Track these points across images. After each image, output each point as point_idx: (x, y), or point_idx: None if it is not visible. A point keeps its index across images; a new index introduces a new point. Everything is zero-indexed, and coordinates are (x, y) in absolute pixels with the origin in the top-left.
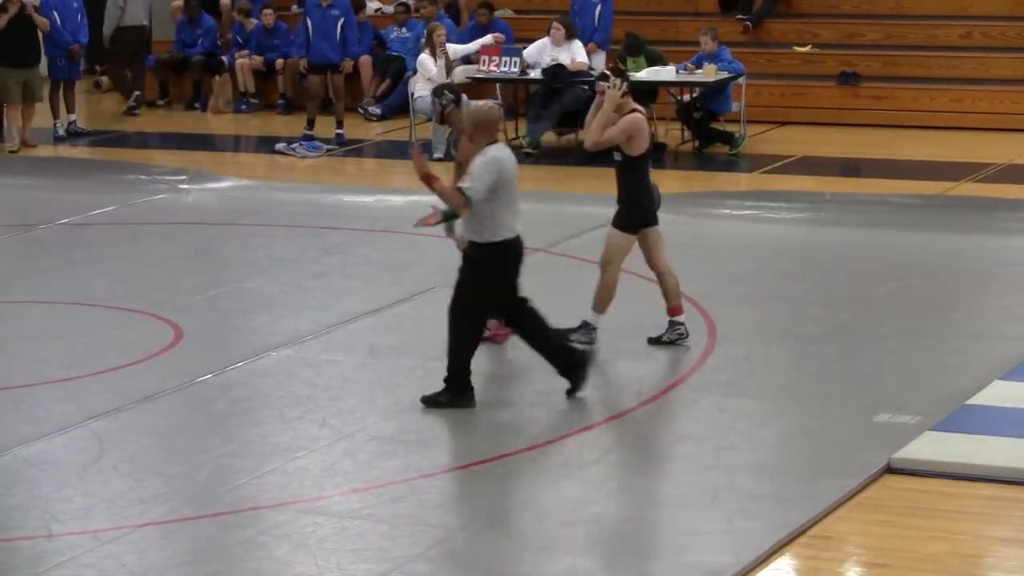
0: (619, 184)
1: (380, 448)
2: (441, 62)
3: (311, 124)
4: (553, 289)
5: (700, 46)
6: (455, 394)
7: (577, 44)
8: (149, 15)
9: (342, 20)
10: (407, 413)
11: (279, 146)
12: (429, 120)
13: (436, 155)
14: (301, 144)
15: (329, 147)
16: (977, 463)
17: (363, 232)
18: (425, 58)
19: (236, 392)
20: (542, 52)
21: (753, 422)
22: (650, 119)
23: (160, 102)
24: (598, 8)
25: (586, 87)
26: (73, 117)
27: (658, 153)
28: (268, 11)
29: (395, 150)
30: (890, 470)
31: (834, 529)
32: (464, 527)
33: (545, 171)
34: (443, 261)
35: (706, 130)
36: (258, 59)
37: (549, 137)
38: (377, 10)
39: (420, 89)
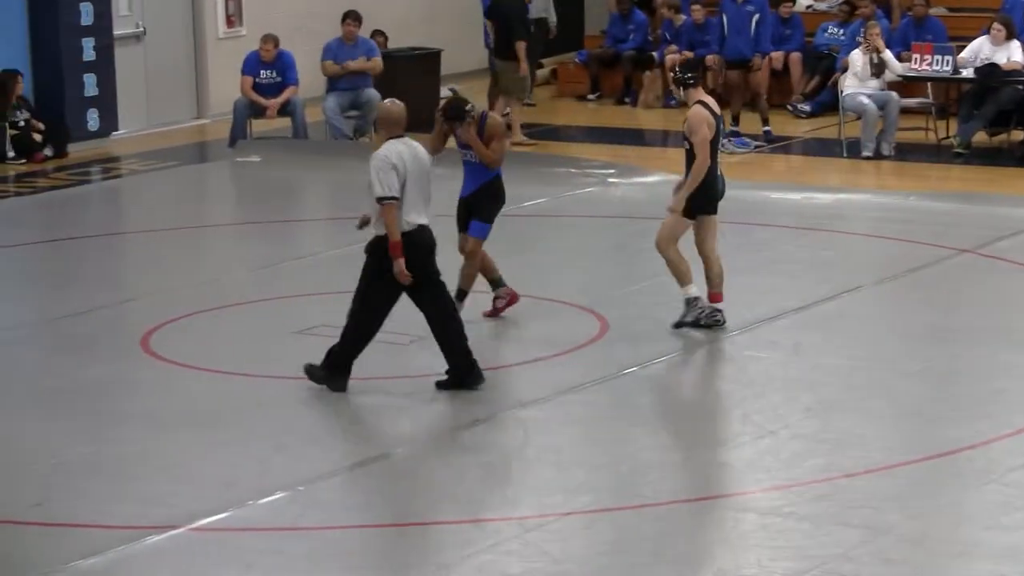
0: (687, 170)
1: (803, 446)
2: (867, 58)
3: (736, 120)
4: (983, 292)
5: None
6: (330, 373)
7: (1015, 44)
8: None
9: (757, 16)
10: (831, 412)
11: None
12: (858, 118)
13: (865, 153)
14: (730, 140)
15: (757, 144)
16: None
17: (789, 229)
18: (856, 53)
19: (659, 386)
20: (979, 51)
21: None
22: None
23: (591, 96)
24: None
25: (1021, 87)
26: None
27: None
28: (697, 7)
29: (823, 148)
30: None
31: None
32: (885, 529)
33: (976, 171)
34: (870, 260)
35: None
36: (688, 54)
37: (981, 137)
38: (808, 7)
39: (849, 86)
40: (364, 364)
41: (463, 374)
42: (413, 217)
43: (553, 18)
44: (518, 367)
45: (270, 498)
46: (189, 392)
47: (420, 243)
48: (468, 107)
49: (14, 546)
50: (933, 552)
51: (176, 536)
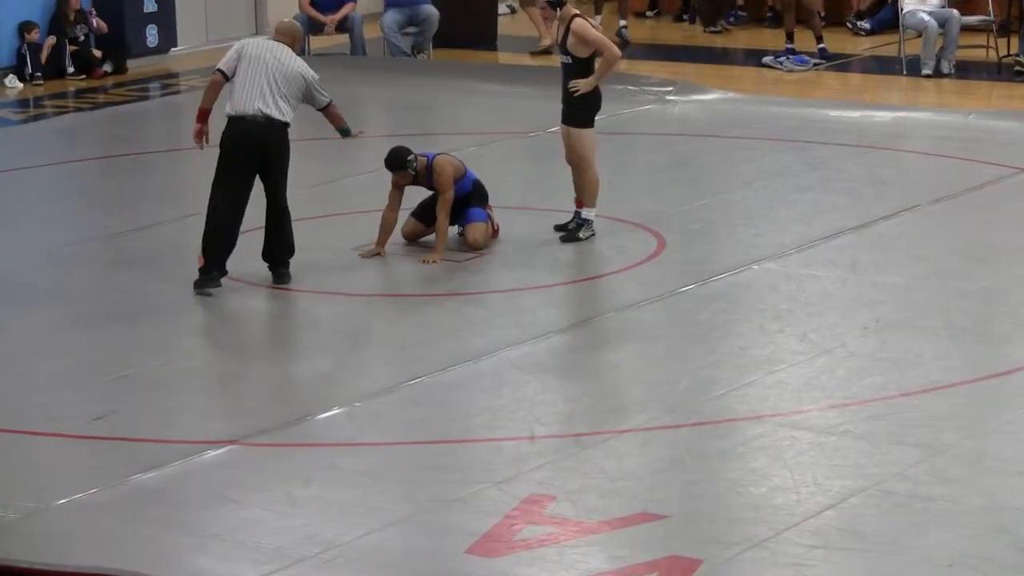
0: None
1: (859, 365)
2: None
3: (790, 37)
4: None
5: None
6: (200, 273)
7: None
8: None
9: None
10: (888, 331)
11: (766, 59)
12: (919, 36)
13: (925, 71)
14: (788, 58)
15: (816, 61)
16: None
17: (848, 148)
18: None
19: (717, 304)
20: None
21: None
22: None
23: (649, 13)
24: None
25: None
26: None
27: None
28: None
29: (882, 66)
30: None
31: None
32: (942, 448)
33: None
34: (929, 179)
35: None
36: None
37: None
38: None
39: (909, 4)
40: (425, 281)
41: (273, 263)
42: (243, 105)
43: None
44: (576, 284)
45: (328, 414)
46: (248, 308)
47: (247, 130)
48: (410, 157)
49: (72, 460)
50: (990, 471)
51: (234, 451)
